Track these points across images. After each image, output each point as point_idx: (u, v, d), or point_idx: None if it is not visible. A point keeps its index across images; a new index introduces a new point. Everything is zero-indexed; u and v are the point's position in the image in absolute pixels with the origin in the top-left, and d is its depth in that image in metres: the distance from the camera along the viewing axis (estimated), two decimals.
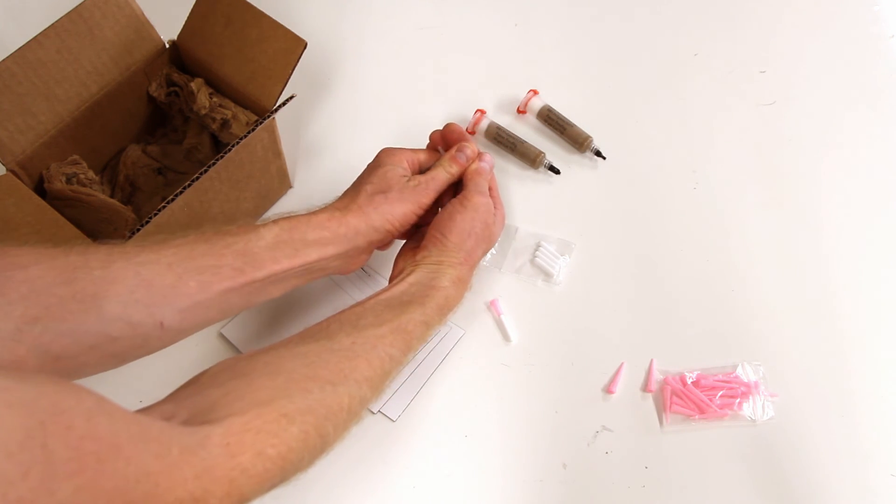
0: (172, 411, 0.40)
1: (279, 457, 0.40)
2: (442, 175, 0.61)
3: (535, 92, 0.76)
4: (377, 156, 0.61)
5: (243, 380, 0.43)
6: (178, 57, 0.66)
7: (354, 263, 0.59)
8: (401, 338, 0.51)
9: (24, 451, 0.27)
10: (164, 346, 0.49)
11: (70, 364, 0.43)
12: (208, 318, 0.50)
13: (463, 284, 0.57)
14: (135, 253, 0.46)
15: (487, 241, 0.60)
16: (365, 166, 0.61)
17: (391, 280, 0.58)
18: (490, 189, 0.62)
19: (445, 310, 0.56)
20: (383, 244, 0.61)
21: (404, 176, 0.59)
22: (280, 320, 0.66)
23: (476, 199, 0.59)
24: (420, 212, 0.59)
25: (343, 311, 0.52)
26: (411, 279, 0.55)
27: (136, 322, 0.45)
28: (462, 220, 0.57)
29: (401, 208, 0.57)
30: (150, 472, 0.33)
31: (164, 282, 0.46)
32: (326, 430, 0.44)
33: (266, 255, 0.51)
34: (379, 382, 0.49)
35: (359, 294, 0.67)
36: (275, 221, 0.54)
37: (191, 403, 0.41)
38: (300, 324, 0.66)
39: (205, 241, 0.50)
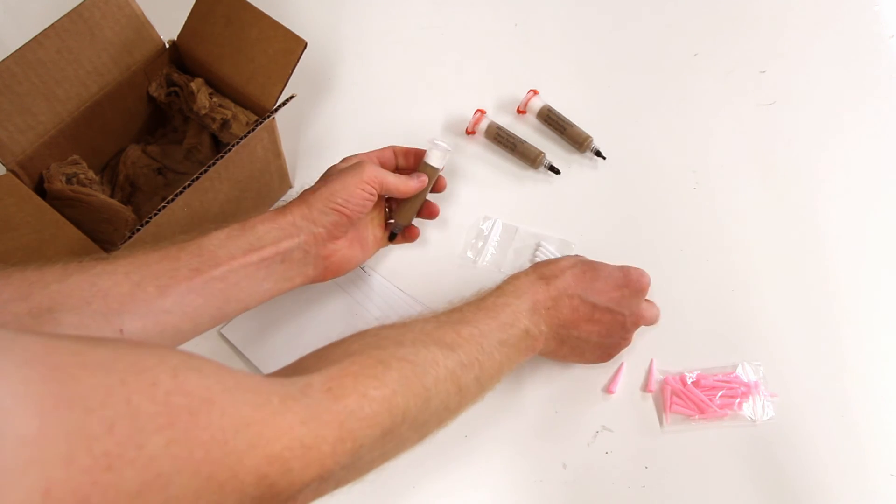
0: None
1: (384, 398, 0.40)
2: (387, 152, 0.62)
3: (535, 92, 0.76)
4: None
5: (334, 346, 0.45)
6: (178, 57, 0.66)
7: (327, 259, 0.57)
8: (484, 313, 0.52)
9: (106, 407, 0.27)
10: None
11: None
12: (171, 324, 0.48)
13: (537, 278, 0.57)
14: (91, 265, 0.46)
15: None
16: None
17: None
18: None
19: (524, 296, 0.56)
20: (345, 228, 0.57)
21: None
22: (280, 320, 0.66)
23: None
24: (366, 187, 0.56)
25: None
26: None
27: (94, 331, 0.44)
28: None
29: (340, 184, 0.56)
30: (250, 423, 0.33)
31: (121, 290, 0.46)
32: (427, 380, 0.44)
33: (221, 252, 0.51)
34: (471, 352, 0.49)
35: (359, 294, 0.67)
36: (227, 223, 0.54)
37: (287, 370, 0.42)
38: (300, 323, 0.66)
39: (160, 249, 0.50)
